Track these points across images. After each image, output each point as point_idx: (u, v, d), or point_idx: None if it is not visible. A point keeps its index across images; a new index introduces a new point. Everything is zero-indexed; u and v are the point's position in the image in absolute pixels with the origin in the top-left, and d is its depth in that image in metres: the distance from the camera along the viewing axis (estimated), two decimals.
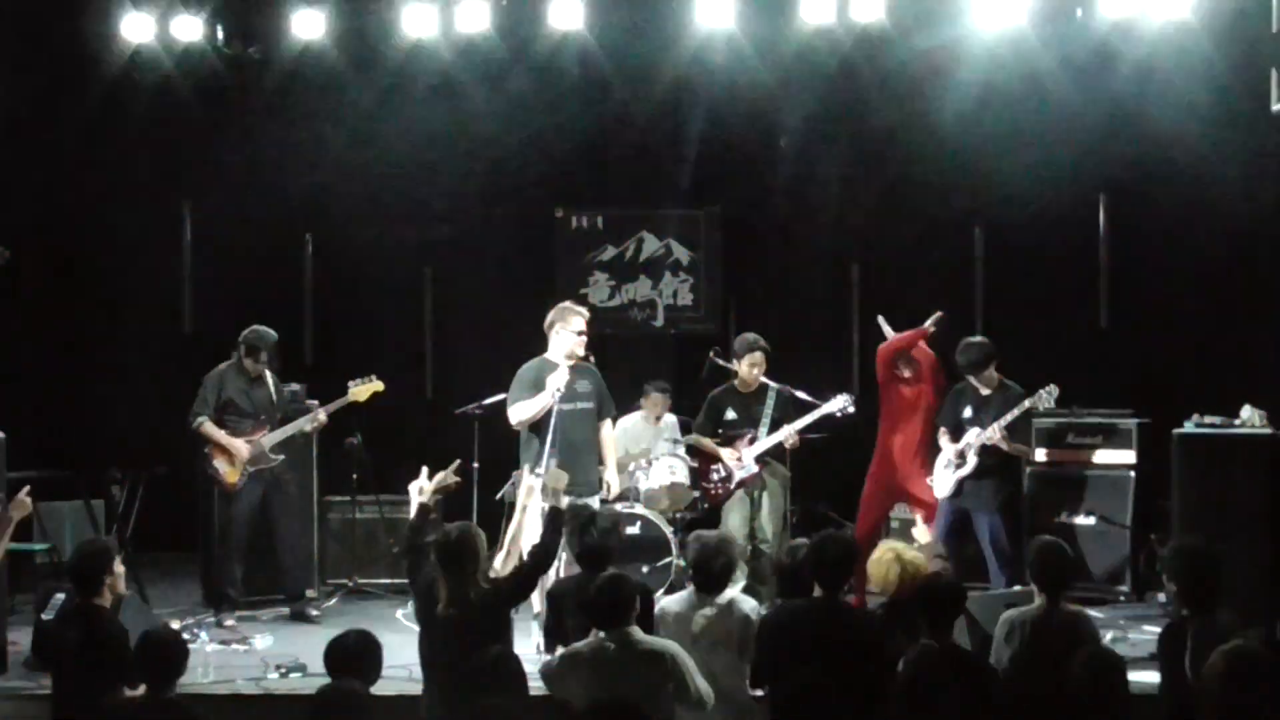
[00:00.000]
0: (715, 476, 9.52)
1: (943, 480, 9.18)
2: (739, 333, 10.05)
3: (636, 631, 6.13)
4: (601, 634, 6.11)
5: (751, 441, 9.40)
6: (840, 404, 9.37)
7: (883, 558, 6.88)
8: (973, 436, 9.05)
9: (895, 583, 6.80)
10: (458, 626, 6.26)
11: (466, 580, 6.31)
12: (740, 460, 9.38)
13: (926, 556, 7.52)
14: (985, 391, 9.17)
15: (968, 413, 9.17)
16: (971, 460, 9.06)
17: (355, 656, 5.85)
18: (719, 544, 6.69)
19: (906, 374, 9.43)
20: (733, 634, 6.54)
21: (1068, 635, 6.25)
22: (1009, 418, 8.97)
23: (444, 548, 6.35)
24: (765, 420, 9.39)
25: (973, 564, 9.23)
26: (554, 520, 6.74)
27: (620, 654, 6.02)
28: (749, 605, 6.72)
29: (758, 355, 9.44)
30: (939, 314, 9.30)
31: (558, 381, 8.49)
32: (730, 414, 9.52)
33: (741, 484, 9.42)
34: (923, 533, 9.29)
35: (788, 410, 9.45)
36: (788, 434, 9.30)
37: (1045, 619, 6.37)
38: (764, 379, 9.48)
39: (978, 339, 9.32)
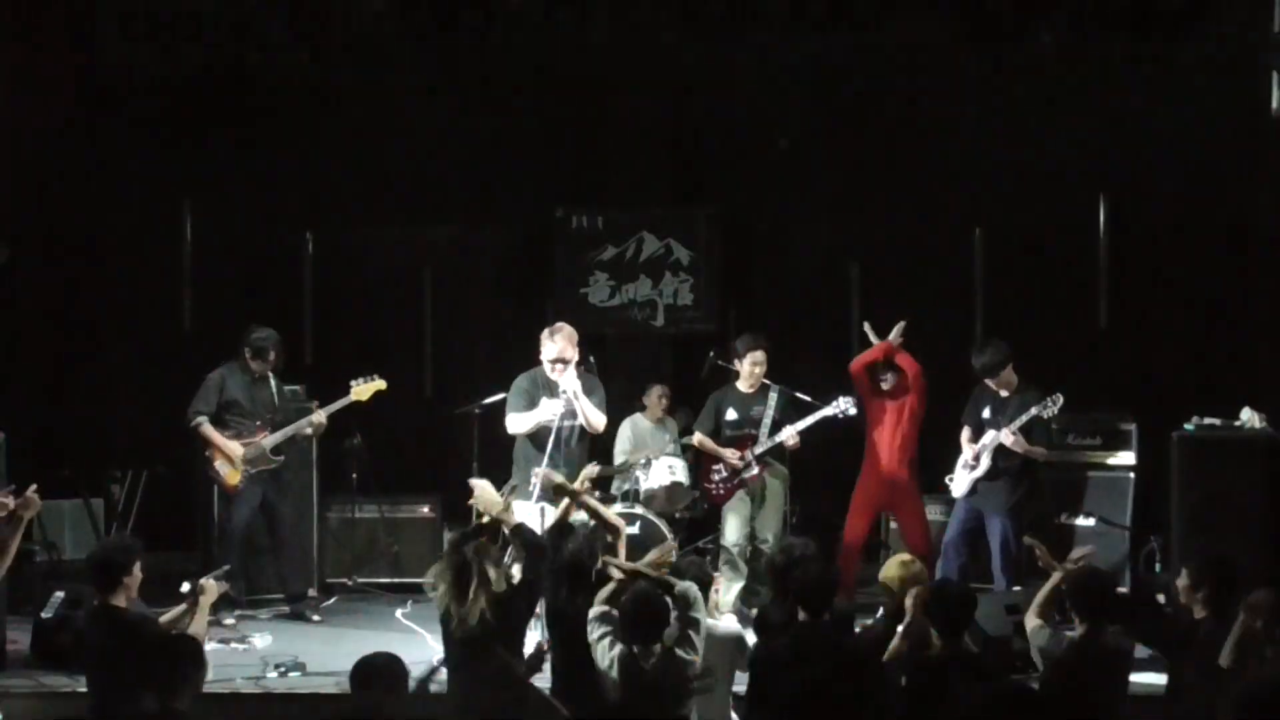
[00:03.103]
0: (716, 477, 9.53)
1: (960, 480, 9.24)
2: (739, 333, 10.06)
3: (666, 644, 6.14)
4: (634, 649, 6.11)
5: (753, 442, 9.41)
6: (842, 406, 9.40)
7: (892, 565, 6.95)
8: (988, 438, 9.08)
9: (908, 582, 6.80)
10: (466, 643, 6.27)
11: (476, 597, 6.30)
12: (742, 460, 9.39)
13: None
14: (1004, 394, 9.19)
15: (986, 414, 9.21)
16: (985, 462, 9.10)
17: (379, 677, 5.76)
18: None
19: (885, 384, 9.43)
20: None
21: (1103, 666, 6.20)
22: (1019, 423, 8.99)
23: (456, 566, 6.33)
24: (766, 421, 9.41)
25: (984, 565, 9.27)
26: (532, 547, 6.72)
27: (653, 666, 6.06)
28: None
29: (759, 354, 9.47)
30: (901, 324, 9.32)
31: (571, 386, 8.53)
32: (731, 414, 9.53)
33: (742, 484, 9.43)
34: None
35: (788, 411, 9.47)
36: (789, 435, 9.32)
37: (1083, 649, 6.25)
38: (765, 379, 9.50)
39: (993, 342, 9.32)
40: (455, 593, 6.24)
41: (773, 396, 9.45)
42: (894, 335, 9.36)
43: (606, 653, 6.14)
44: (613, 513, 7.20)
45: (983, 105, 11.02)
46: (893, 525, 10.16)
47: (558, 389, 8.61)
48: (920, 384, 9.37)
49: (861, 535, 9.56)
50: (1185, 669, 6.19)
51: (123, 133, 11.54)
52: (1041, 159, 11.15)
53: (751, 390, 9.51)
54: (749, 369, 9.48)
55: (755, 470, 9.39)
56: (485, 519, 6.75)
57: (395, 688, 5.67)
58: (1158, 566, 9.81)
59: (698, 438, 9.65)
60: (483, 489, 6.91)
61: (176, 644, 5.97)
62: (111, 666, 6.34)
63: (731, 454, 9.41)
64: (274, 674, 7.95)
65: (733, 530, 9.42)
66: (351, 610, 9.92)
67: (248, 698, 7.69)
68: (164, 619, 6.73)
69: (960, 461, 9.26)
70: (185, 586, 6.86)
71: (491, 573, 6.29)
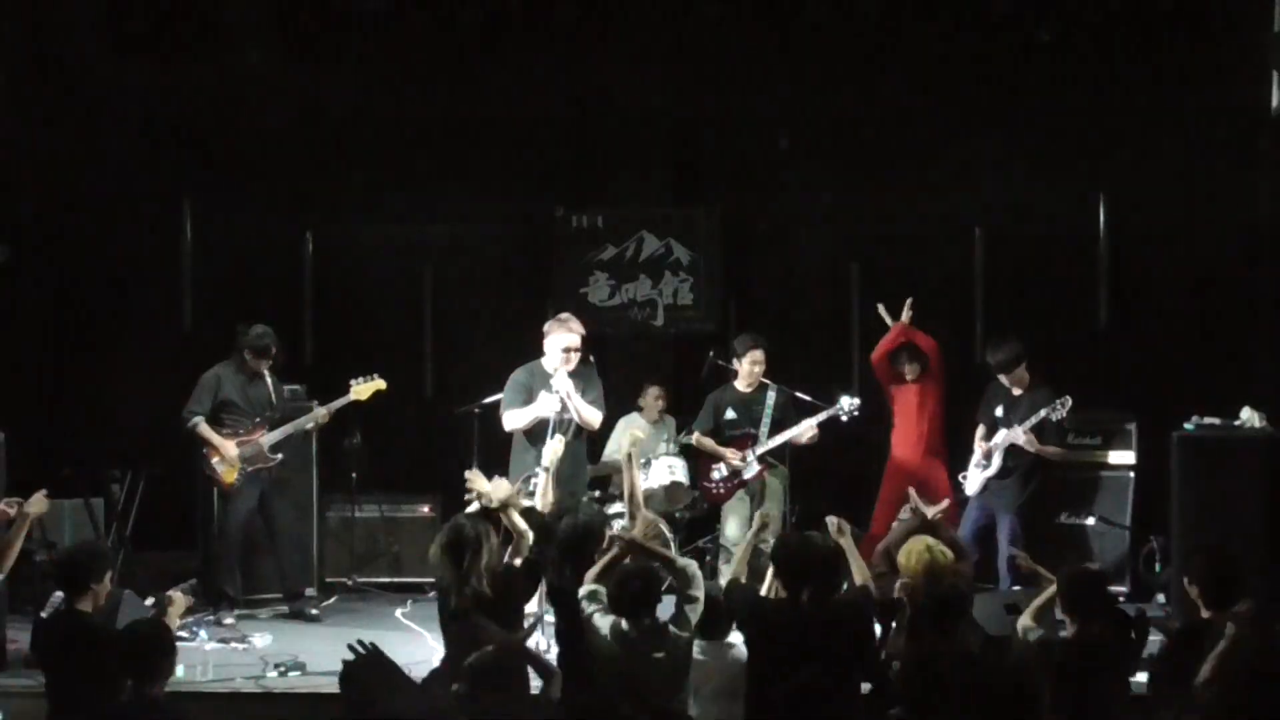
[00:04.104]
0: (716, 476, 9.53)
1: (972, 478, 9.26)
2: (739, 333, 10.06)
3: (659, 621, 6.19)
4: (624, 622, 6.14)
5: (753, 441, 9.41)
6: (845, 407, 9.39)
7: (914, 548, 6.90)
8: (1000, 437, 9.09)
9: (923, 572, 6.78)
10: (467, 617, 6.29)
11: (472, 572, 6.32)
12: (743, 459, 9.39)
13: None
14: (1016, 392, 9.21)
15: (999, 412, 9.23)
16: (997, 461, 9.12)
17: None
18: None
19: (909, 374, 9.46)
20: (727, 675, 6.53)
21: (1095, 664, 6.21)
22: (1029, 423, 9.00)
23: (449, 541, 6.38)
24: (765, 420, 9.42)
25: (989, 564, 9.29)
26: (539, 529, 6.78)
27: (643, 641, 6.09)
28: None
29: (758, 354, 9.49)
30: (909, 301, 9.39)
31: (562, 383, 8.53)
32: (730, 414, 9.54)
33: (742, 484, 9.43)
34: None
35: (788, 411, 9.48)
36: (804, 429, 9.31)
37: (1074, 647, 6.27)
38: (764, 379, 9.50)
39: (1008, 339, 9.33)
40: (451, 564, 6.29)
41: (771, 396, 9.46)
42: (904, 316, 9.39)
43: (600, 625, 6.21)
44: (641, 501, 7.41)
45: (983, 104, 11.00)
46: (903, 518, 10.12)
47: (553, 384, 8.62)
48: (939, 361, 9.43)
49: (888, 530, 9.55)
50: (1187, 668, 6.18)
51: (123, 132, 11.55)
52: (1041, 159, 11.15)
53: (750, 390, 9.52)
54: (748, 368, 9.50)
55: (756, 470, 9.40)
56: (492, 504, 6.80)
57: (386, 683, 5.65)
58: (1158, 566, 9.81)
59: (696, 437, 9.65)
60: (498, 481, 7.02)
61: (146, 632, 5.93)
62: (66, 672, 6.33)
63: (731, 454, 9.41)
64: (274, 674, 7.95)
65: (733, 529, 9.42)
66: (351, 610, 9.91)
67: (248, 698, 7.69)
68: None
69: (973, 460, 9.29)
70: (149, 600, 6.85)
71: (489, 547, 6.36)
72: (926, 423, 9.48)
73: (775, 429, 9.40)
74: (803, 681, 4.92)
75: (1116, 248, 11.30)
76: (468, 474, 7.22)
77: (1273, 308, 10.53)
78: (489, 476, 7.08)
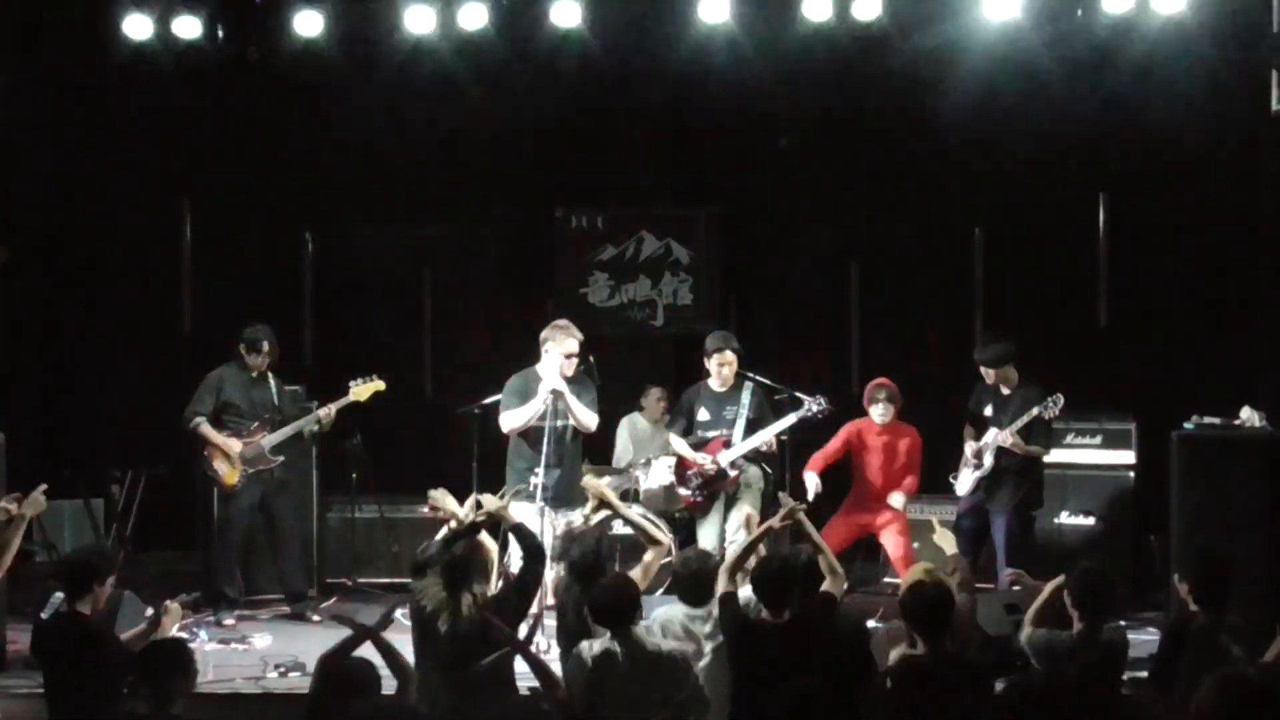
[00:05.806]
0: (693, 483, 9.32)
1: (964, 479, 9.23)
2: (740, 333, 10.01)
3: (639, 632, 6.14)
4: (607, 634, 6.12)
5: (726, 444, 9.23)
6: (814, 408, 9.18)
7: (913, 574, 6.87)
8: (990, 437, 9.07)
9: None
10: (456, 640, 6.26)
11: (467, 595, 6.31)
12: (712, 466, 9.20)
13: (951, 565, 7.54)
14: (1005, 390, 9.18)
15: (988, 411, 9.19)
16: (988, 461, 9.08)
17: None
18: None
19: (879, 416, 9.30)
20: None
21: (1107, 660, 6.22)
22: (1019, 423, 8.98)
23: (449, 563, 6.35)
24: (740, 420, 9.17)
25: (987, 565, 9.27)
26: (531, 548, 6.76)
27: (626, 656, 6.02)
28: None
29: (728, 355, 9.21)
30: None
31: (554, 384, 8.51)
32: (703, 413, 9.28)
33: (720, 489, 9.24)
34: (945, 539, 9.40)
35: (764, 410, 9.26)
36: (763, 440, 9.14)
37: (1084, 645, 6.26)
38: (740, 372, 9.31)
39: (998, 336, 9.29)
40: (447, 589, 6.26)
41: (746, 395, 9.20)
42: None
43: (584, 655, 6.11)
44: (653, 527, 7.44)
45: (983, 104, 11.00)
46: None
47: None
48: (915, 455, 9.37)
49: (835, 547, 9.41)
50: (1174, 665, 6.20)
51: (123, 131, 11.56)
52: (1041, 159, 11.15)
53: (723, 388, 9.32)
54: (716, 369, 9.24)
55: (731, 474, 9.22)
56: (483, 517, 6.77)
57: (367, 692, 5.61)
58: (1158, 568, 9.80)
59: (670, 438, 9.49)
60: (485, 498, 7.00)
61: (164, 650, 5.91)
62: (64, 674, 6.31)
63: (704, 460, 9.21)
64: (274, 674, 7.96)
65: (706, 538, 9.19)
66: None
67: (248, 698, 7.69)
68: (125, 636, 6.72)
69: (963, 460, 9.26)
70: (149, 611, 6.86)
71: (482, 570, 6.35)
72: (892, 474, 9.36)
73: (751, 429, 9.19)
74: (796, 691, 4.89)
75: (1116, 248, 11.31)
76: (433, 494, 7.20)
77: (1273, 308, 10.53)
78: (488, 481, 7.08)
